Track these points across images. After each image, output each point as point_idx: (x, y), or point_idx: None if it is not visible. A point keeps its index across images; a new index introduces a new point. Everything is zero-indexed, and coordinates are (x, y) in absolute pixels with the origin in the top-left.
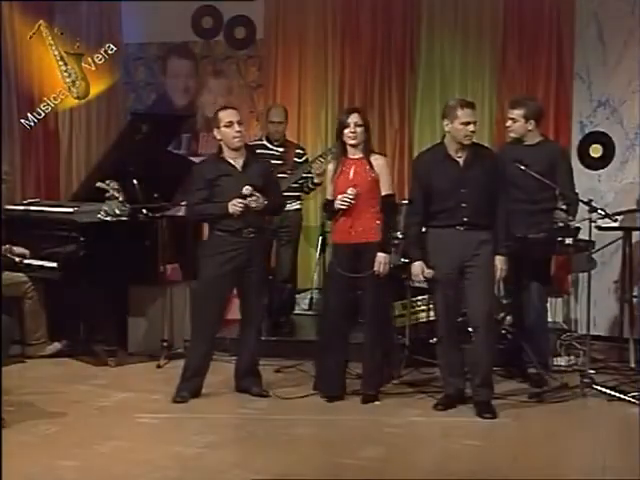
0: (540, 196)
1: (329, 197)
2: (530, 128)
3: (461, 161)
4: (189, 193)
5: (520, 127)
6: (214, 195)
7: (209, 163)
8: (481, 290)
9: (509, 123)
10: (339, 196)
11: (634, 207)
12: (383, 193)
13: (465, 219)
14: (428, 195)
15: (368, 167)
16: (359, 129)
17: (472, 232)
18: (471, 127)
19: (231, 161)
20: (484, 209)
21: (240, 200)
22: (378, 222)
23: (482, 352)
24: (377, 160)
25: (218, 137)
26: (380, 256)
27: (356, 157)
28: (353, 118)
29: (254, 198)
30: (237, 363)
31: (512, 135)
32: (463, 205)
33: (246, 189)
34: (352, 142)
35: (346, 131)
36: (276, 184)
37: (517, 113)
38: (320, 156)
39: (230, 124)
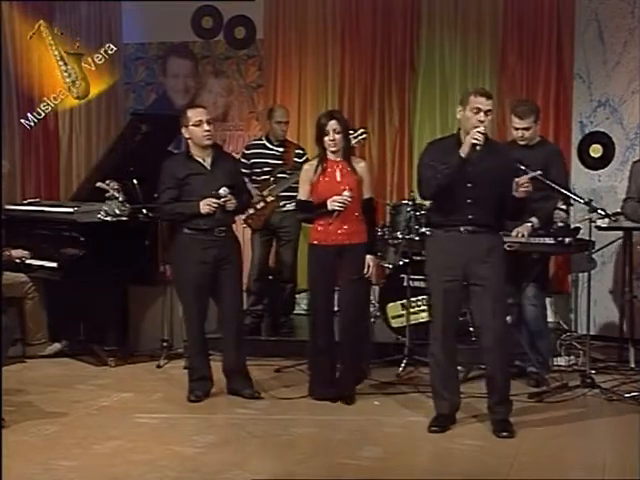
0: (538, 195)
1: (304, 198)
2: (537, 129)
3: (472, 155)
4: (159, 192)
5: (533, 133)
6: (183, 194)
7: (178, 162)
8: (492, 305)
9: (521, 134)
10: (335, 197)
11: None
12: (366, 196)
13: (470, 217)
14: None
15: (351, 170)
16: (338, 136)
17: (477, 236)
18: (481, 116)
19: (200, 160)
20: (491, 209)
21: (214, 200)
22: (362, 223)
23: (497, 371)
24: (360, 163)
25: (187, 135)
26: (369, 258)
27: (338, 160)
28: (332, 126)
29: (228, 198)
30: (223, 365)
31: (522, 143)
32: (468, 201)
33: (223, 189)
34: (332, 149)
35: (326, 138)
36: (243, 182)
37: (529, 121)
38: None
39: (199, 123)
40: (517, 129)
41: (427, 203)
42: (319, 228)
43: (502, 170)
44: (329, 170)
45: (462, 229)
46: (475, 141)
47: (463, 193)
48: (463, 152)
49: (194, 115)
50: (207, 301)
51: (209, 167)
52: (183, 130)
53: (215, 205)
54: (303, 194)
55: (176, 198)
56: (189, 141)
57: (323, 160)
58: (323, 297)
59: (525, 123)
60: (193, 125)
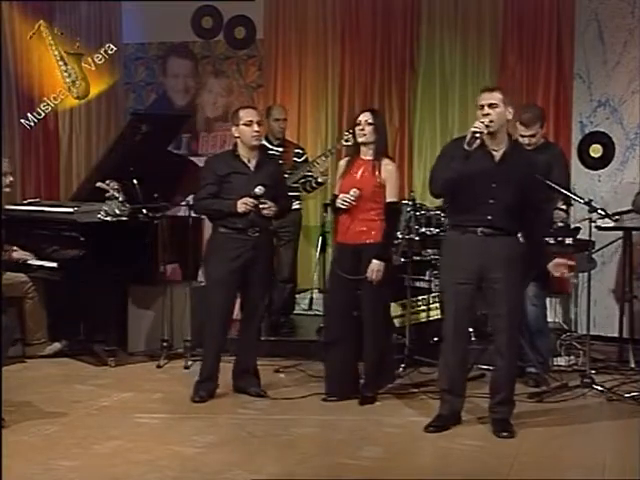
0: None
1: (337, 192)
2: (542, 133)
3: (497, 155)
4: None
5: (539, 137)
6: (223, 191)
7: (223, 159)
8: (506, 309)
9: (527, 141)
10: (341, 195)
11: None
12: (388, 199)
13: (489, 217)
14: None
15: (376, 170)
16: (368, 128)
17: (493, 239)
18: (485, 109)
19: (245, 160)
20: (511, 212)
21: (251, 200)
22: (379, 224)
23: (505, 373)
24: (387, 165)
25: (236, 134)
26: (374, 263)
27: (366, 158)
28: (364, 116)
29: (268, 205)
30: (236, 363)
31: (528, 149)
32: (490, 202)
33: (259, 189)
34: (361, 139)
35: (357, 128)
36: (285, 187)
37: (535, 128)
38: (321, 156)
39: (250, 123)
40: (523, 137)
41: (432, 203)
42: (338, 227)
43: (527, 173)
44: (355, 167)
45: (479, 231)
46: (474, 129)
47: (487, 193)
48: (466, 143)
49: (245, 115)
50: (235, 300)
51: (253, 168)
52: (233, 129)
53: (251, 204)
54: (337, 189)
55: (215, 194)
56: (237, 140)
57: (354, 156)
58: (335, 294)
59: (531, 130)
60: (244, 125)
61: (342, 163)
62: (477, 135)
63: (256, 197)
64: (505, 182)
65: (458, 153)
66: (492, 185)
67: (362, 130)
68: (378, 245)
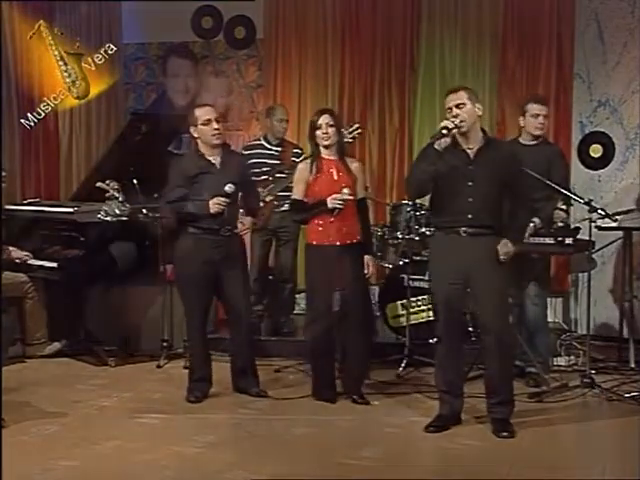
0: (538, 195)
1: (298, 197)
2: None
3: (471, 153)
4: (167, 189)
5: (546, 125)
6: (192, 192)
7: (188, 160)
8: (494, 308)
9: (542, 120)
10: (335, 195)
11: (634, 207)
12: (360, 196)
13: (470, 216)
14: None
15: (349, 169)
16: (331, 129)
17: (478, 239)
18: (454, 111)
19: (210, 159)
20: (492, 209)
21: (223, 199)
22: (357, 223)
23: (498, 373)
24: (354, 163)
25: (195, 135)
26: (367, 258)
27: (332, 158)
28: (324, 119)
29: (245, 229)
30: (232, 363)
31: (538, 133)
32: (469, 200)
33: (229, 187)
34: (325, 143)
35: (318, 132)
36: (252, 182)
37: (547, 109)
38: None
39: (208, 122)
40: (538, 115)
41: (426, 203)
42: (319, 228)
43: (504, 167)
44: (325, 169)
45: (462, 231)
46: (443, 124)
47: (464, 192)
48: (435, 143)
49: (203, 114)
50: (211, 301)
51: (219, 166)
52: (192, 129)
53: (224, 204)
54: (298, 193)
55: (184, 197)
56: (198, 140)
57: (317, 158)
58: (324, 298)
59: (545, 110)
60: (202, 124)
61: (302, 166)
62: (444, 132)
63: (227, 195)
64: (482, 180)
65: (430, 153)
66: (469, 184)
67: (326, 133)
68: (363, 243)
